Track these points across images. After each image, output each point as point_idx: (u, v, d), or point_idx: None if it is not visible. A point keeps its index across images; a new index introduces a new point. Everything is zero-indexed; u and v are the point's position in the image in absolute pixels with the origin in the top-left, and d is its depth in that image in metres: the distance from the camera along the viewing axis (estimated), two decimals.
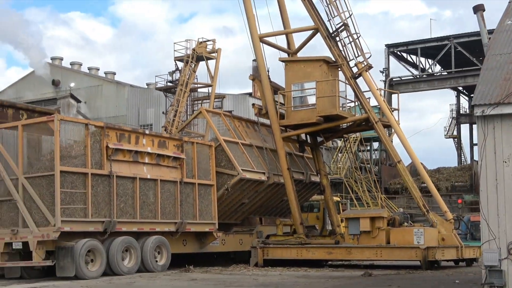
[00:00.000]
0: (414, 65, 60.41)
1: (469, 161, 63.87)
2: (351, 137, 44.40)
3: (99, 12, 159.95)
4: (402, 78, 58.58)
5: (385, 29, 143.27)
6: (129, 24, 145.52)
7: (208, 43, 47.21)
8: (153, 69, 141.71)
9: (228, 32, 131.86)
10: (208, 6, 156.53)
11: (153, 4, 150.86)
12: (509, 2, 15.31)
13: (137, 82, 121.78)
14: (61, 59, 63.97)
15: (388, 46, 58.80)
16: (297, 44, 28.84)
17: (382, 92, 29.36)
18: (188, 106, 48.64)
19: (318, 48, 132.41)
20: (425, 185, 27.57)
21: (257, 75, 28.12)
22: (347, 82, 26.50)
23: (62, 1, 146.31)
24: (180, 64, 47.67)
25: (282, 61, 27.87)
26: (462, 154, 66.63)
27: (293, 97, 27.20)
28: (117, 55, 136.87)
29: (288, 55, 28.68)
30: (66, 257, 19.59)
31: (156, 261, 22.60)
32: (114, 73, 65.22)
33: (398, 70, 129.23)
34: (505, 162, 11.58)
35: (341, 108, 26.71)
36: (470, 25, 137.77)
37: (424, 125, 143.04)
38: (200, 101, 49.36)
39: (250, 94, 55.17)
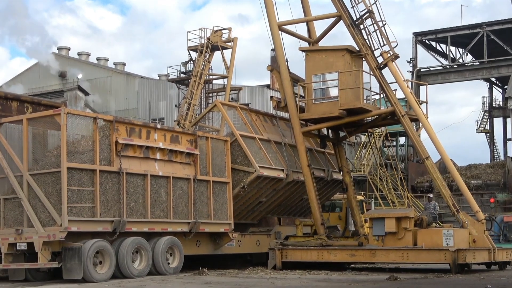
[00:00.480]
0: (443, 55, 60.21)
1: (502, 158, 63.58)
2: (375, 132, 44.36)
3: None
4: (431, 69, 58.42)
5: (411, 16, 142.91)
6: (138, 12, 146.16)
7: (223, 31, 47.37)
8: (164, 60, 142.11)
9: (244, 20, 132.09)
10: None
11: None
12: None
13: (148, 73, 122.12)
14: (68, 49, 64.39)
15: (416, 34, 58.66)
16: (318, 32, 28.79)
17: (409, 83, 29.25)
18: (203, 99, 48.84)
19: (339, 37, 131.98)
20: (455, 183, 27.42)
21: (275, 65, 28.11)
22: (371, 73, 26.44)
23: None
24: (194, 54, 47.89)
25: (303, 50, 27.85)
26: (495, 150, 66.35)
27: (314, 89, 27.17)
28: (126, 44, 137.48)
29: (309, 44, 28.63)
30: (73, 258, 19.66)
31: (168, 263, 22.65)
32: (124, 64, 65.60)
33: (427, 60, 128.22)
34: None
35: (365, 101, 26.64)
36: (504, 12, 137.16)
37: (454, 119, 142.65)
38: (215, 94, 49.56)
39: (268, 86, 55.29)
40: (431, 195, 29.20)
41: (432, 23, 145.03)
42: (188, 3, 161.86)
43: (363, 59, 26.61)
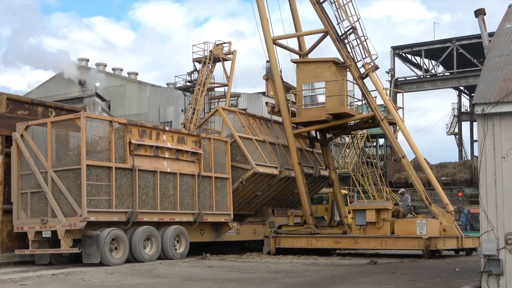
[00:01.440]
0: (418, 66, 60.16)
1: (469, 157, 63.60)
2: (358, 134, 44.21)
3: (120, 16, 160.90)
4: (407, 78, 58.36)
5: (388, 32, 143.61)
6: (148, 28, 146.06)
7: (224, 45, 47.33)
8: (171, 70, 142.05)
9: (240, 35, 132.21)
10: (221, 11, 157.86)
11: (170, 9, 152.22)
12: (508, 6, 15.21)
13: (156, 82, 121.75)
14: (87, 60, 64.23)
15: (394, 48, 58.59)
16: (307, 46, 28.80)
17: (388, 91, 29.28)
18: (206, 104, 48.80)
19: (325, 50, 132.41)
20: (428, 179, 27.45)
21: (270, 75, 28.12)
22: (355, 82, 26.46)
23: (86, 6, 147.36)
24: (198, 65, 47.85)
25: (294, 62, 27.86)
26: (463, 150, 66.39)
27: (304, 96, 27.20)
28: (137, 57, 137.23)
29: (300, 56, 28.66)
30: (92, 245, 19.70)
31: (176, 249, 22.67)
32: (137, 74, 65.36)
33: (403, 71, 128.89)
34: (504, 157, 11.54)
35: (349, 107, 26.69)
36: (469, 28, 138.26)
37: (426, 123, 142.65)
38: (216, 100, 49.53)
39: (263, 93, 55.19)
40: (401, 190, 29.31)
41: (406, 38, 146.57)
42: (191, 20, 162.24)
43: (347, 69, 26.64)
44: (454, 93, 65.44)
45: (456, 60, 54.64)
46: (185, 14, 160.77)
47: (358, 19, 25.99)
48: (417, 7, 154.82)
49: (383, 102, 26.86)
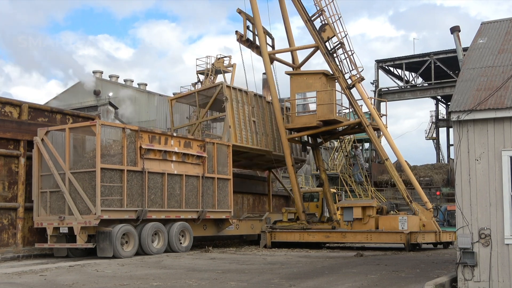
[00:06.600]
0: (399, 78, 60.29)
1: (446, 159, 63.71)
2: (346, 139, 44.26)
3: (122, 34, 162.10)
4: (390, 89, 58.48)
5: (363, 48, 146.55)
6: (147, 44, 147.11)
7: (225, 59, 47.38)
8: (169, 82, 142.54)
9: (229, 51, 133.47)
10: (213, 30, 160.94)
11: (167, 28, 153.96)
12: (481, 24, 15.26)
13: (159, 92, 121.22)
14: (101, 72, 64.20)
15: (378, 61, 58.71)
16: (300, 59, 28.82)
17: (372, 100, 29.26)
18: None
19: (306, 65, 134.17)
20: (409, 179, 27.45)
21: (266, 86, 28.05)
22: (342, 92, 26.50)
23: (92, 25, 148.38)
24: (202, 77, 47.83)
25: (288, 74, 27.88)
26: (440, 153, 66.51)
27: (297, 104, 27.23)
28: (138, 70, 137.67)
29: (293, 69, 28.68)
30: (105, 240, 19.66)
31: (181, 243, 22.62)
32: (146, 84, 65.37)
33: (386, 82, 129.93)
34: (477, 160, 11.55)
35: (337, 114, 26.72)
36: (434, 44, 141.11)
37: (399, 128, 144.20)
38: None
39: None
40: (358, 145, 29.37)
41: (378, 53, 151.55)
42: (186, 37, 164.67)
43: (336, 80, 26.68)
44: (427, 102, 65.76)
45: (433, 72, 54.79)
46: (180, 33, 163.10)
47: (345, 36, 26.07)
48: (387, 26, 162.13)
49: (368, 110, 26.90)
